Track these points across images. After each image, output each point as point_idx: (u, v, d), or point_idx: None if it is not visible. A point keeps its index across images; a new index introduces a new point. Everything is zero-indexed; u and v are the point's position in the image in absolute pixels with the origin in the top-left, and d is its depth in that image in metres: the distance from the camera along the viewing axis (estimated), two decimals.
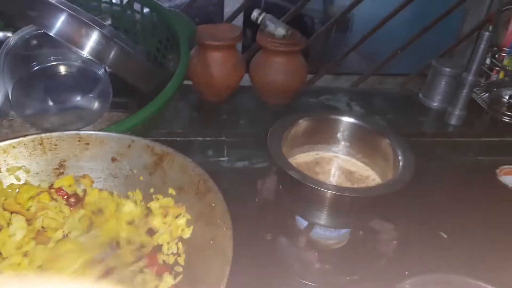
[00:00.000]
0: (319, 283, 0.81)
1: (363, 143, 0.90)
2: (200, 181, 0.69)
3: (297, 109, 1.36)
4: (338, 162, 0.92)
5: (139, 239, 0.69)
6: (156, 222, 0.70)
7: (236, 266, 0.56)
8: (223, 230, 0.61)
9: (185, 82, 1.34)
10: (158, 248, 0.69)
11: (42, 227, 0.66)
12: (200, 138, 1.22)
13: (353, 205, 0.77)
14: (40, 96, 0.99)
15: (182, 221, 0.70)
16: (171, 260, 0.67)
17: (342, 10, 1.70)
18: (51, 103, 0.99)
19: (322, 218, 0.80)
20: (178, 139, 1.22)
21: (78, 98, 0.99)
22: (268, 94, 1.30)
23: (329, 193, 0.73)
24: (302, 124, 0.89)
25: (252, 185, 0.98)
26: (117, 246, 0.68)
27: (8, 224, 0.65)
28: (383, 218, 0.84)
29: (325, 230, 0.85)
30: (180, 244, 0.68)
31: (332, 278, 0.82)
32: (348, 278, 0.82)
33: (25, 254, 0.63)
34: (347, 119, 0.90)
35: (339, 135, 0.92)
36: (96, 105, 1.01)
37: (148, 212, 0.72)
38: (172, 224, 0.70)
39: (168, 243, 0.69)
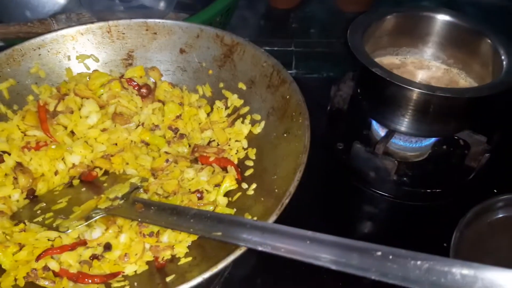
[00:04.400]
0: (395, 195, 0.76)
1: (458, 46, 0.78)
2: (273, 72, 0.63)
3: None
4: (426, 67, 0.81)
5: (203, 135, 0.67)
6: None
7: (304, 175, 0.51)
8: (299, 122, 0.56)
9: None
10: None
11: (120, 113, 0.65)
12: (268, 48, 1.15)
13: (444, 108, 0.68)
14: None
15: (247, 121, 0.66)
16: (240, 155, 0.64)
17: None
18: (117, 1, 0.96)
19: (405, 124, 0.71)
20: None
21: None
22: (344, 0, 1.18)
23: (418, 92, 0.65)
24: (389, 21, 0.78)
25: (323, 93, 0.91)
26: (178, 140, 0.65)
27: (79, 108, 0.64)
28: (475, 130, 0.75)
29: (406, 140, 0.77)
30: (245, 141, 0.65)
31: (410, 190, 0.76)
32: (429, 191, 0.75)
33: (103, 130, 0.63)
34: (442, 17, 0.78)
35: (430, 36, 0.80)
36: (161, 4, 0.97)
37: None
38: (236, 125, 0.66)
39: (235, 140, 0.66)
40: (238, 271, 0.66)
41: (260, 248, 0.39)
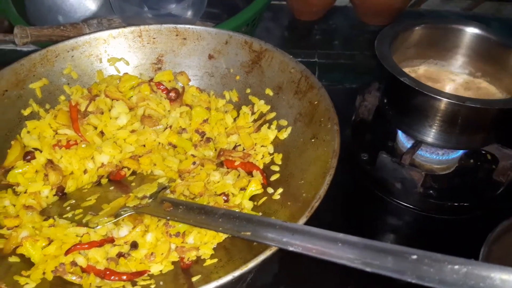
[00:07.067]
0: (421, 207, 0.74)
1: (486, 59, 0.77)
2: (301, 78, 0.63)
3: None
4: (454, 80, 0.80)
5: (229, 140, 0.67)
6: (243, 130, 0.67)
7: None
8: (327, 127, 0.56)
9: (278, 2, 1.27)
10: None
11: (148, 115, 0.66)
12: None
13: (472, 120, 0.67)
14: (137, 2, 0.98)
15: (273, 126, 0.66)
16: (266, 160, 0.64)
17: None
18: (146, 8, 0.98)
19: (432, 135, 0.71)
20: None
21: (173, 6, 0.97)
22: (368, 12, 1.18)
23: (447, 102, 0.64)
24: (416, 32, 0.78)
25: (345, 104, 0.91)
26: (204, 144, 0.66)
27: (109, 110, 0.65)
28: (504, 144, 0.73)
29: (432, 152, 0.76)
30: (271, 146, 0.65)
31: (436, 203, 0.74)
32: (456, 204, 0.73)
33: (132, 131, 0.64)
34: (470, 30, 0.77)
35: (458, 49, 0.79)
36: (189, 13, 0.99)
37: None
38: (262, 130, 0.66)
39: (261, 146, 0.66)
40: (260, 278, 0.65)
41: (290, 248, 0.39)
